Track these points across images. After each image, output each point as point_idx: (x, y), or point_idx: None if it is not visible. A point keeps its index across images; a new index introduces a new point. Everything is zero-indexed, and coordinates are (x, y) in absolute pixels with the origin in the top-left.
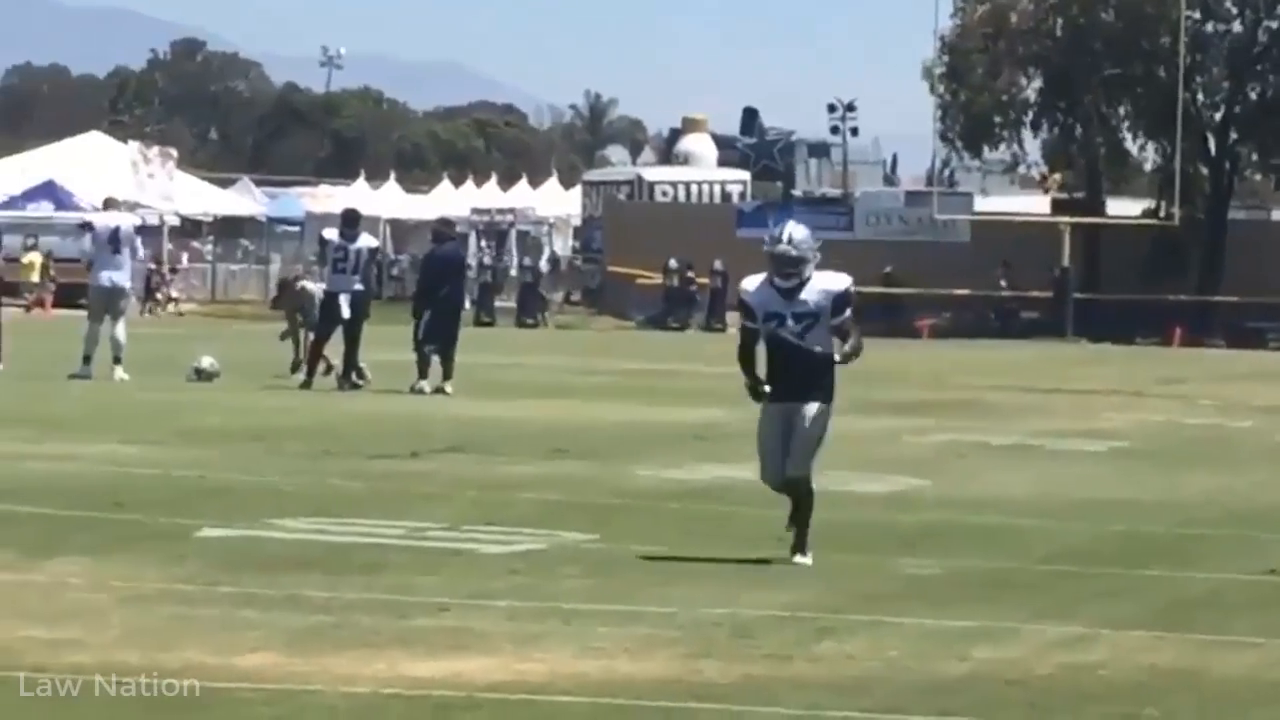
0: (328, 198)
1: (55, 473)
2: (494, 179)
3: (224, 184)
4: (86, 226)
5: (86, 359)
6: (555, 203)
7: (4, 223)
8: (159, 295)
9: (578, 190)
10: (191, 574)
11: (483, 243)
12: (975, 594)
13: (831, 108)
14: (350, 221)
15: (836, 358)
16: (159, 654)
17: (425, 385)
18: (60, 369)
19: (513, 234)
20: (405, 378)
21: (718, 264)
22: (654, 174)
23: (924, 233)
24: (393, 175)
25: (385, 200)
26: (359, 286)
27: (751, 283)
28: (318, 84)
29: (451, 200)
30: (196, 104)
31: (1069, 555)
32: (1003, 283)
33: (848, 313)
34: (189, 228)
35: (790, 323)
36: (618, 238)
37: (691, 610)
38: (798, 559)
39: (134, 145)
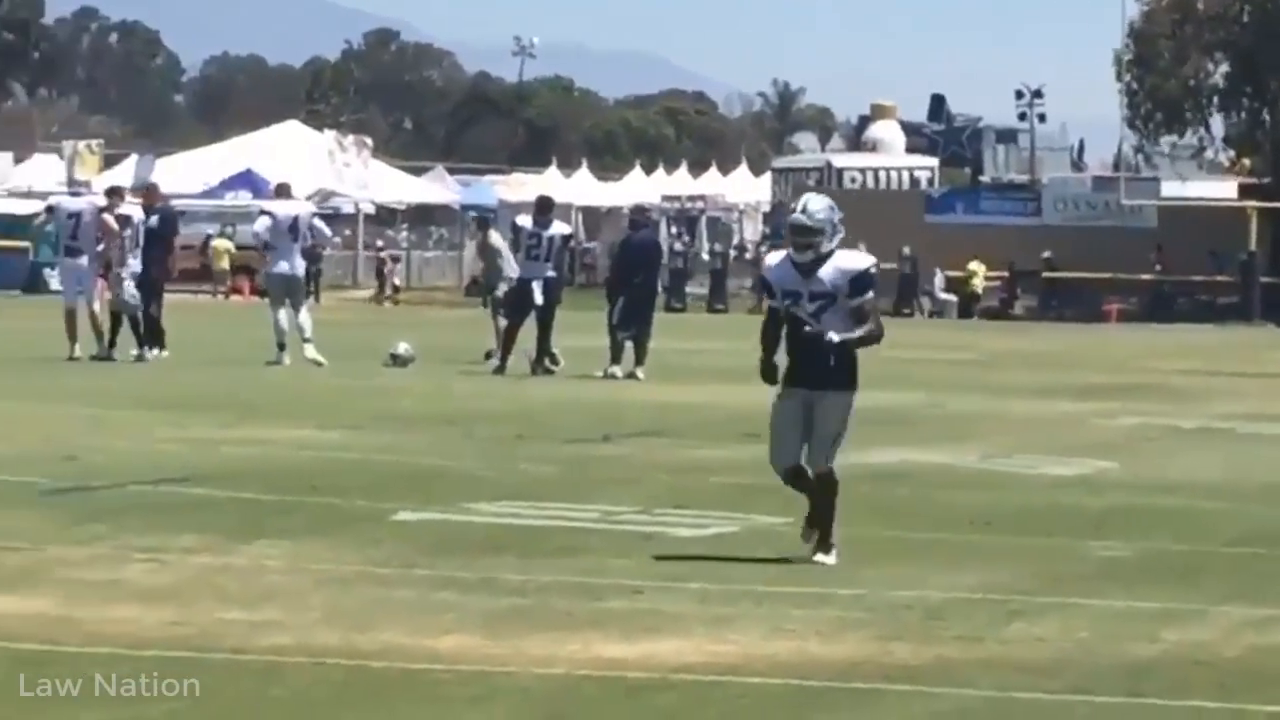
0: (520, 185)
1: (253, 457)
2: (684, 166)
3: (418, 172)
4: (267, 215)
5: (280, 346)
6: (745, 189)
7: (203, 211)
8: (387, 285)
9: (767, 177)
10: (388, 557)
11: (673, 229)
12: (1164, 576)
13: (1019, 94)
14: (543, 208)
15: (836, 338)
16: (356, 635)
17: (618, 370)
18: (256, 355)
19: (703, 220)
20: (597, 363)
21: (906, 250)
22: (843, 160)
23: (1111, 218)
24: (584, 163)
25: (577, 187)
26: (552, 273)
27: (774, 258)
28: (510, 73)
29: (643, 187)
30: (391, 93)
31: (1257, 538)
32: (1157, 266)
33: (868, 295)
34: (383, 215)
35: (805, 302)
36: None
37: (882, 592)
38: (819, 558)
39: (330, 134)
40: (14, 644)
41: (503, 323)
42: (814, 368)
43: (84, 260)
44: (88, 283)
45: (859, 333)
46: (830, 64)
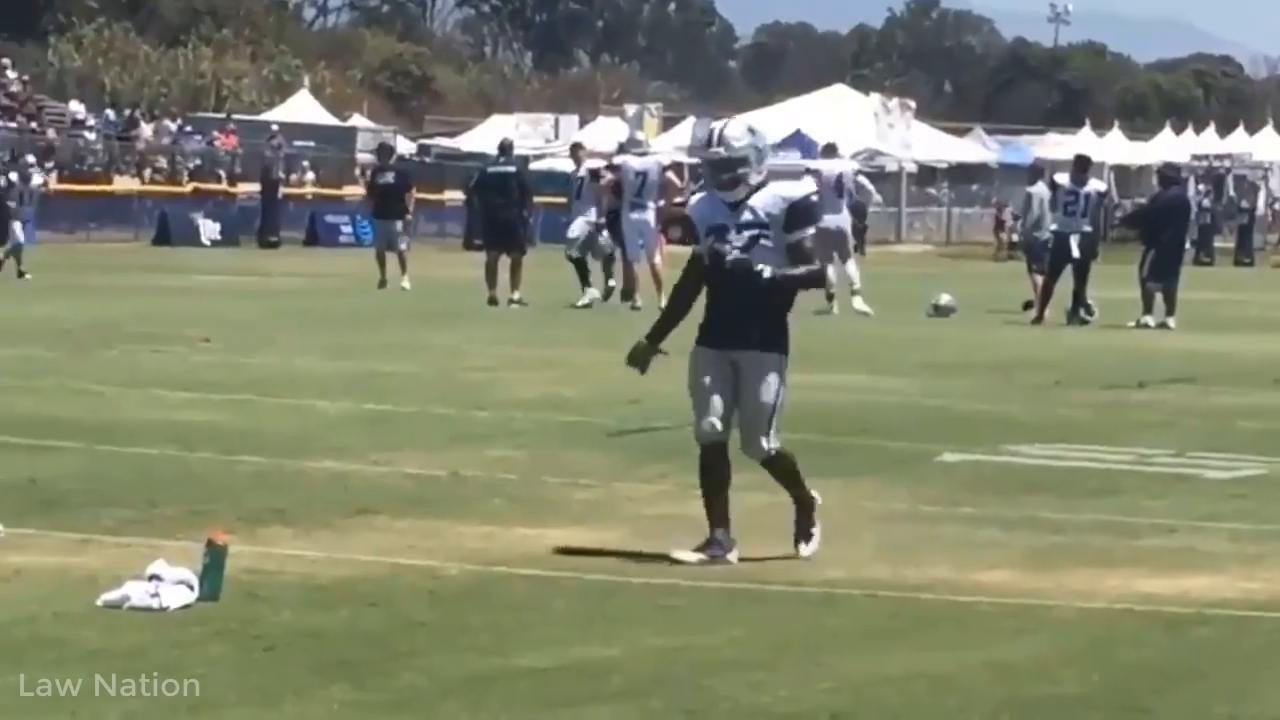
0: (1055, 145)
1: (805, 401)
2: (1212, 127)
3: (958, 133)
4: (812, 174)
5: (829, 297)
6: (1271, 148)
7: None
8: (1004, 240)
9: None
10: (934, 496)
11: (1201, 186)
12: None
13: None
14: (1081, 167)
15: (769, 272)
16: (906, 569)
17: (1149, 320)
18: (805, 305)
19: (1229, 178)
20: (1129, 313)
21: None
22: None
23: None
24: (1116, 124)
25: (1110, 147)
26: (1087, 228)
27: (696, 195)
28: (1045, 38)
29: (1172, 147)
30: (932, 58)
31: None
32: None
33: (809, 230)
34: (924, 174)
35: (733, 234)
36: None
37: None
38: (801, 549)
39: (875, 98)
40: (585, 575)
41: (1039, 277)
42: (741, 322)
43: (649, 215)
44: (649, 236)
45: (799, 271)
46: None
